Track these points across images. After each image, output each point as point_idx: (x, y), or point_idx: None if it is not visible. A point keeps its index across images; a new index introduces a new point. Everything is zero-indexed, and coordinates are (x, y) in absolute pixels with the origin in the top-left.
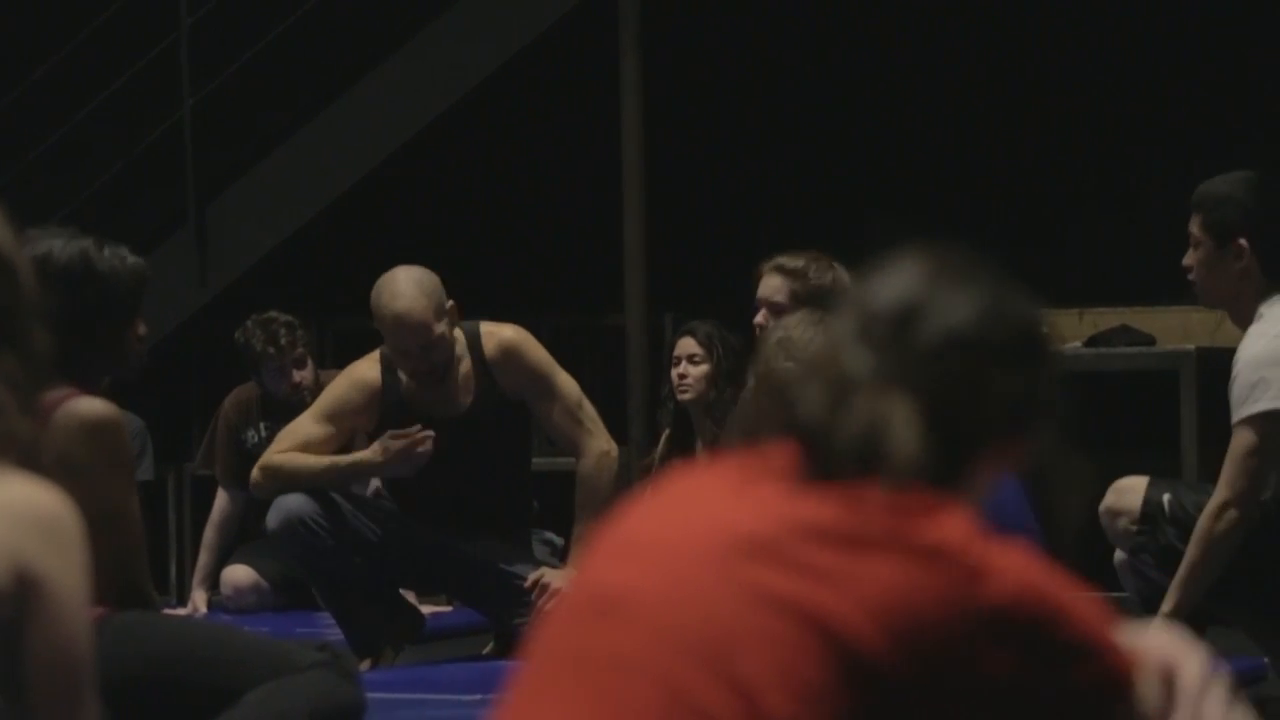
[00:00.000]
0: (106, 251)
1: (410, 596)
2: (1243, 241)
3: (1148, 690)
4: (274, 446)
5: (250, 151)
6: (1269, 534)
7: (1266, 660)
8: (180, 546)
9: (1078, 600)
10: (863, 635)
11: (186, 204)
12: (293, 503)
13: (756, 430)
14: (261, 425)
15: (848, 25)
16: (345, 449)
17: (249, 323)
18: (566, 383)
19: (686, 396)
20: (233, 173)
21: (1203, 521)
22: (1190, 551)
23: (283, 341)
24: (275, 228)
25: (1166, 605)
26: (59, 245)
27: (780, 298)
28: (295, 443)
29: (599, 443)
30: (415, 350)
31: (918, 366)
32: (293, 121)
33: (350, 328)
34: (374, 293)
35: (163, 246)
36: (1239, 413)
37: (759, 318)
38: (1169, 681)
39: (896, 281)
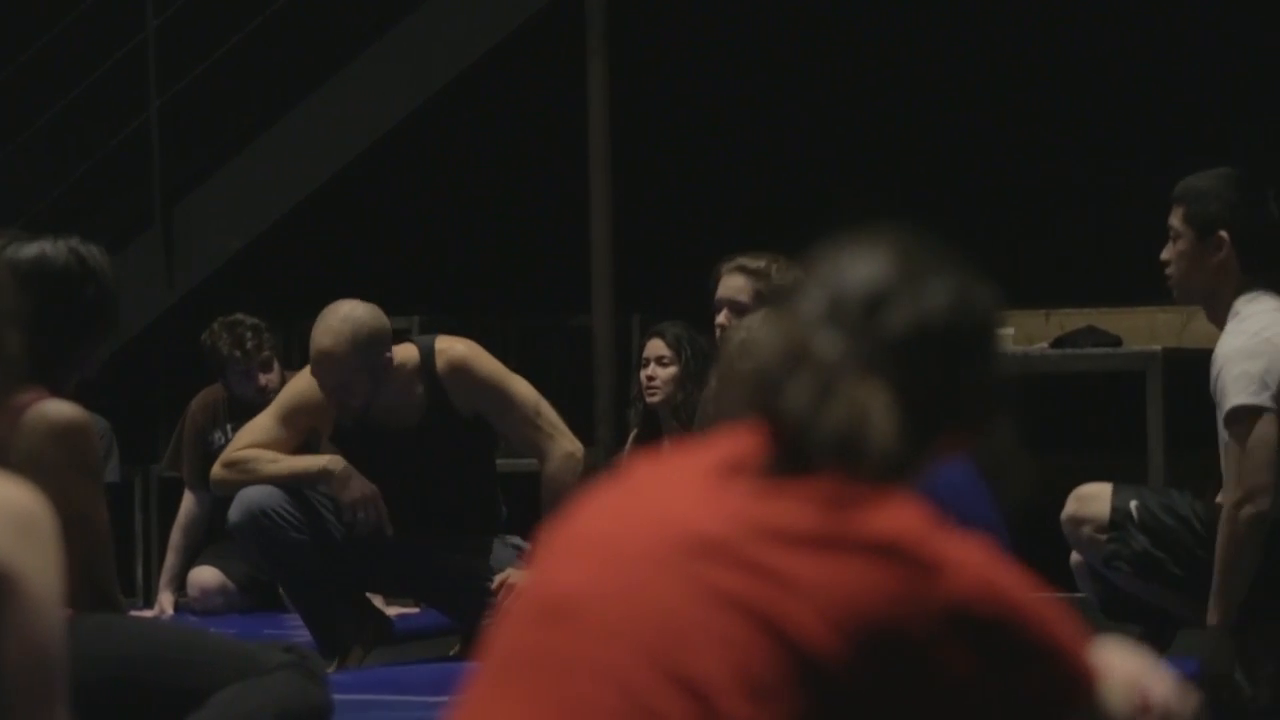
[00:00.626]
0: (91, 249)
1: (377, 600)
2: (1224, 234)
3: (1118, 708)
4: (233, 443)
5: (217, 153)
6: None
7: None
8: (146, 548)
9: (1036, 599)
10: (816, 635)
11: (153, 206)
12: (255, 494)
13: (722, 425)
14: (228, 427)
15: (813, 25)
16: (304, 448)
17: (215, 325)
18: (521, 391)
19: (655, 399)
20: (200, 174)
21: (1223, 526)
22: (1219, 558)
23: (248, 345)
24: (242, 229)
25: (1213, 619)
26: (49, 247)
27: (744, 297)
28: (254, 440)
29: (562, 445)
30: (328, 388)
31: (889, 353)
32: (259, 123)
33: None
34: (317, 323)
35: (130, 248)
36: (1225, 406)
37: (721, 318)
38: (1140, 702)
39: (865, 266)
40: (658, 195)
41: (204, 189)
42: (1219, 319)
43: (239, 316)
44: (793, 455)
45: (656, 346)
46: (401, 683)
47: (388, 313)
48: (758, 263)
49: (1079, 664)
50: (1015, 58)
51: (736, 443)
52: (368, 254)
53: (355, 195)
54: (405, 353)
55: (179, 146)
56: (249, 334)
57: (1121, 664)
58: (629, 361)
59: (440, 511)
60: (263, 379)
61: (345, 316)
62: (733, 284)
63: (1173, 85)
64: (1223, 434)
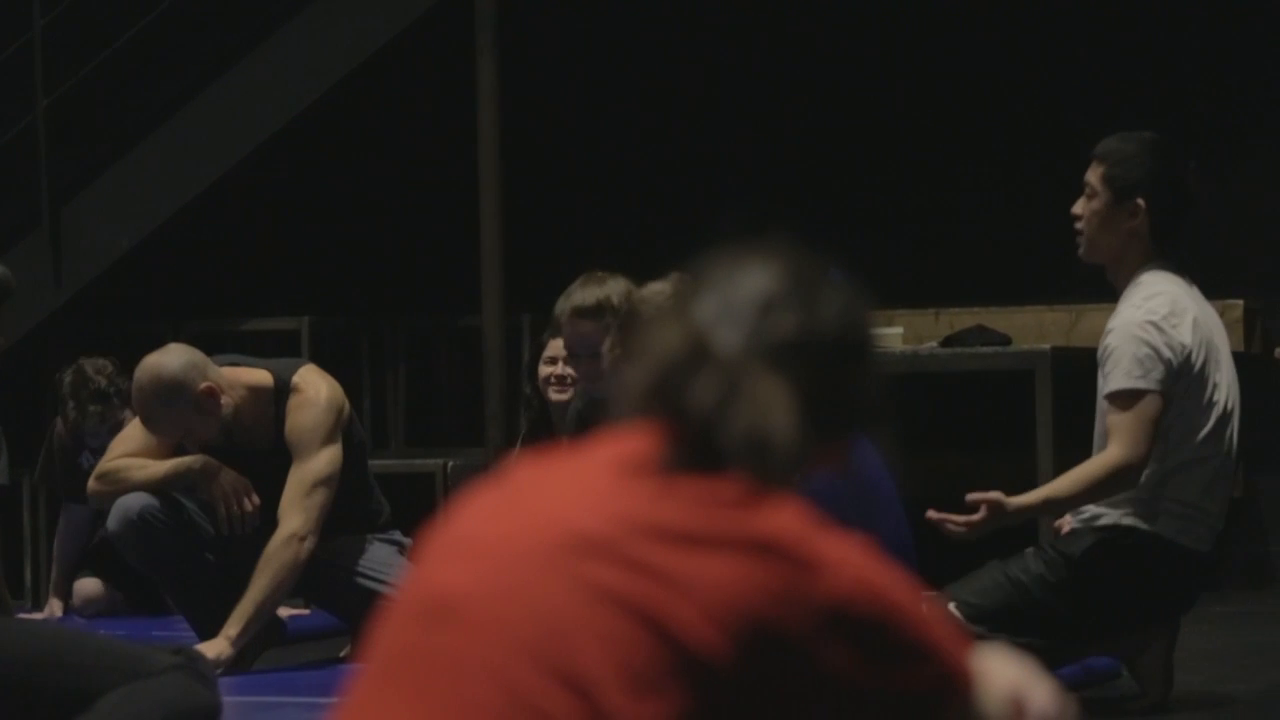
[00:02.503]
0: None
1: None
2: (1140, 201)
3: (995, 713)
4: (107, 454)
5: (105, 153)
6: (1117, 558)
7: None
8: (35, 550)
9: (914, 599)
10: (698, 632)
11: (41, 206)
12: (131, 501)
13: (622, 417)
14: (88, 451)
15: (705, 27)
16: (177, 454)
17: (66, 380)
18: (321, 460)
19: (563, 396)
20: (87, 174)
21: (1093, 464)
22: (1072, 477)
23: (90, 414)
24: (131, 229)
25: (1031, 498)
26: None
27: (596, 338)
28: (126, 450)
29: (300, 525)
30: (166, 439)
31: (782, 354)
32: (148, 123)
33: (205, 330)
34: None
35: (17, 249)
36: (1110, 385)
37: (557, 369)
38: (1019, 710)
39: (755, 273)
40: (548, 195)
41: (92, 189)
42: (1121, 283)
43: (87, 372)
44: (693, 453)
45: (553, 346)
46: (292, 684)
47: (277, 314)
48: (597, 293)
49: (955, 664)
50: (903, 58)
51: (630, 442)
52: (257, 254)
53: (244, 195)
54: (257, 377)
55: (66, 146)
56: (91, 405)
57: (1001, 670)
58: (519, 363)
59: None
60: (118, 420)
61: (144, 376)
62: (582, 330)
63: (1062, 89)
64: (1103, 403)
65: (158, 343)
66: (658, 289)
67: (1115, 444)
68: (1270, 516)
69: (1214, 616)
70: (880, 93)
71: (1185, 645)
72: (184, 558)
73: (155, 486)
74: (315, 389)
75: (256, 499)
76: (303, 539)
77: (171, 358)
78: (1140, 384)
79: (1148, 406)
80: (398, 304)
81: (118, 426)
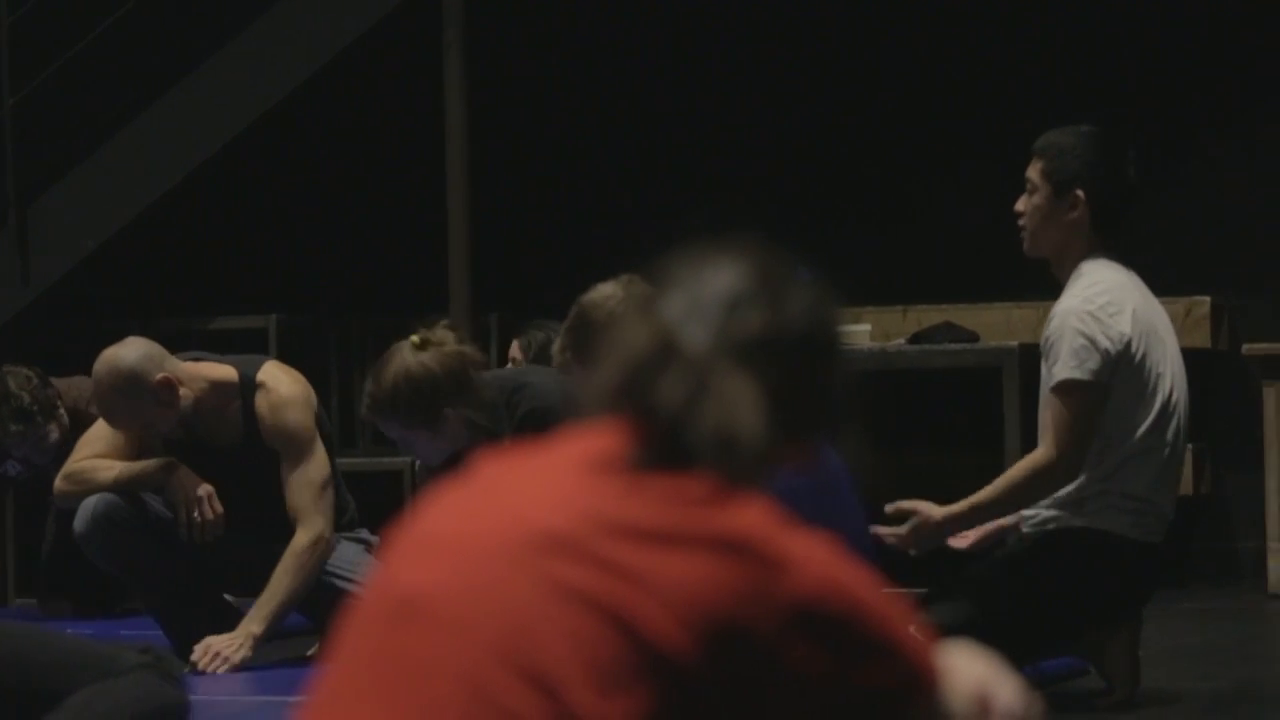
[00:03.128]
0: None
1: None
2: (1079, 193)
3: (960, 710)
4: (73, 455)
5: (72, 151)
6: (1069, 558)
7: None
8: (2, 547)
9: (880, 597)
10: (664, 630)
11: (7, 204)
12: (96, 502)
13: (586, 415)
14: (11, 460)
15: (672, 23)
16: (143, 453)
17: None
18: (317, 459)
19: None
20: (54, 173)
21: (1023, 466)
22: (998, 485)
23: (12, 431)
24: (98, 227)
25: (955, 508)
26: None
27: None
28: (92, 450)
29: (319, 525)
30: (127, 432)
31: (750, 351)
32: (115, 121)
33: (173, 328)
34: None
35: None
36: (1054, 376)
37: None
38: (984, 707)
39: (722, 272)
40: (516, 194)
41: (59, 187)
42: (1065, 276)
43: (9, 387)
44: (661, 451)
45: (513, 348)
46: (258, 683)
47: (243, 312)
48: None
49: (920, 661)
50: (869, 57)
51: (598, 439)
52: (224, 252)
53: (211, 193)
54: (220, 372)
55: (33, 145)
56: (13, 424)
57: (967, 667)
58: (488, 361)
59: (274, 520)
60: (51, 437)
61: (102, 368)
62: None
63: (1030, 86)
64: (1046, 391)
65: None
66: (606, 292)
67: (1043, 443)
68: (1236, 513)
69: (1179, 613)
70: (847, 90)
71: (1152, 642)
72: (151, 560)
73: (121, 487)
74: (286, 386)
75: (219, 506)
76: (327, 540)
77: (129, 350)
78: (1076, 374)
79: (1084, 399)
80: (366, 302)
81: (42, 440)
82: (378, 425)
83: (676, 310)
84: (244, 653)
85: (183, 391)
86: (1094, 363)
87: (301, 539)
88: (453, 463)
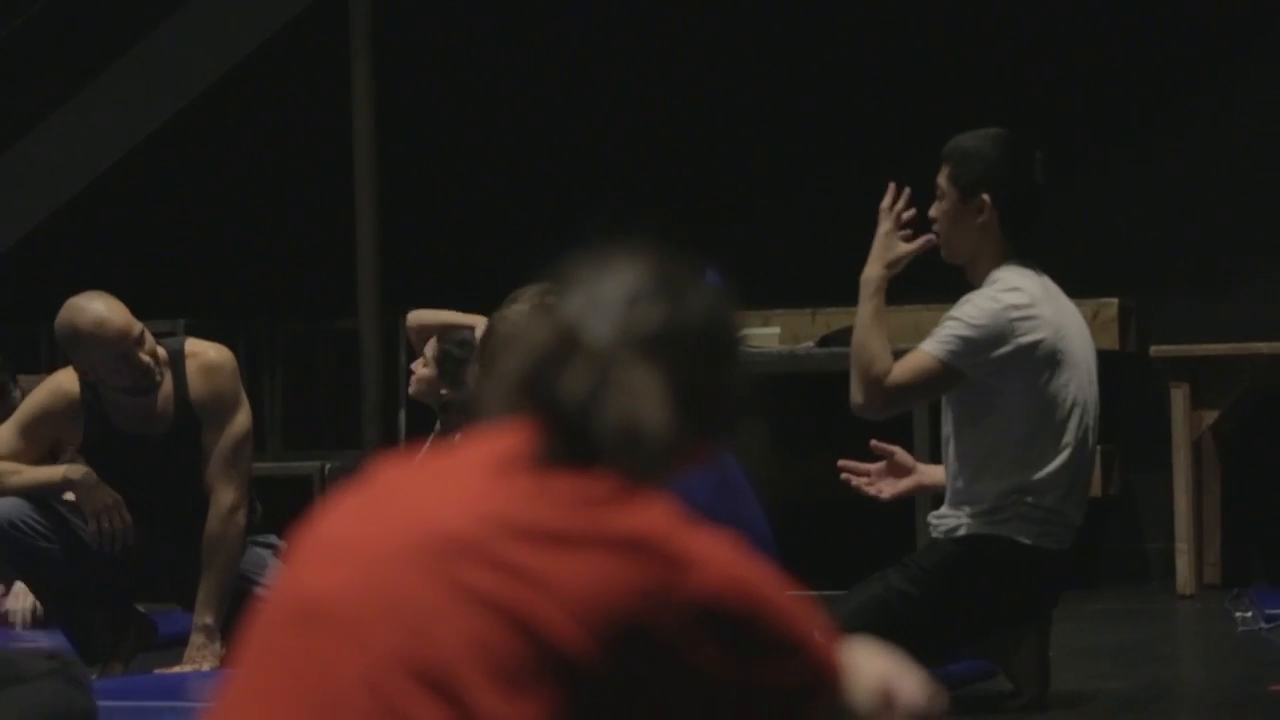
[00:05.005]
0: None
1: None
2: (985, 197)
3: (863, 706)
4: None
5: None
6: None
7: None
8: None
9: (782, 595)
10: (565, 631)
11: None
12: (1, 507)
13: (490, 416)
14: None
15: (575, 26)
16: (49, 458)
17: None
18: (242, 422)
19: (411, 390)
20: None
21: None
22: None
23: None
24: (4, 232)
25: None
26: None
27: None
28: (1, 453)
29: (233, 496)
30: (117, 359)
31: (651, 345)
32: (22, 125)
33: None
34: (64, 316)
35: None
36: (924, 345)
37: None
38: (888, 702)
39: (621, 272)
40: (423, 197)
41: None
42: (979, 281)
43: None
44: (565, 448)
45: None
46: (165, 688)
47: (152, 316)
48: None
49: (823, 658)
50: (783, 57)
51: (501, 439)
52: (132, 256)
53: (119, 198)
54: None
55: None
56: None
57: (870, 663)
58: (396, 364)
59: (190, 514)
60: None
61: (93, 295)
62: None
63: (942, 89)
64: (917, 352)
65: (33, 346)
66: (517, 308)
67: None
68: (1145, 514)
69: (1089, 614)
70: (757, 91)
71: (1060, 643)
72: (56, 566)
73: (31, 493)
74: (214, 350)
75: (128, 516)
76: (236, 509)
77: (106, 300)
78: (938, 352)
79: (936, 374)
80: (275, 306)
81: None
82: None
83: (577, 307)
84: (210, 651)
85: (148, 349)
86: (973, 359)
87: (213, 515)
88: None
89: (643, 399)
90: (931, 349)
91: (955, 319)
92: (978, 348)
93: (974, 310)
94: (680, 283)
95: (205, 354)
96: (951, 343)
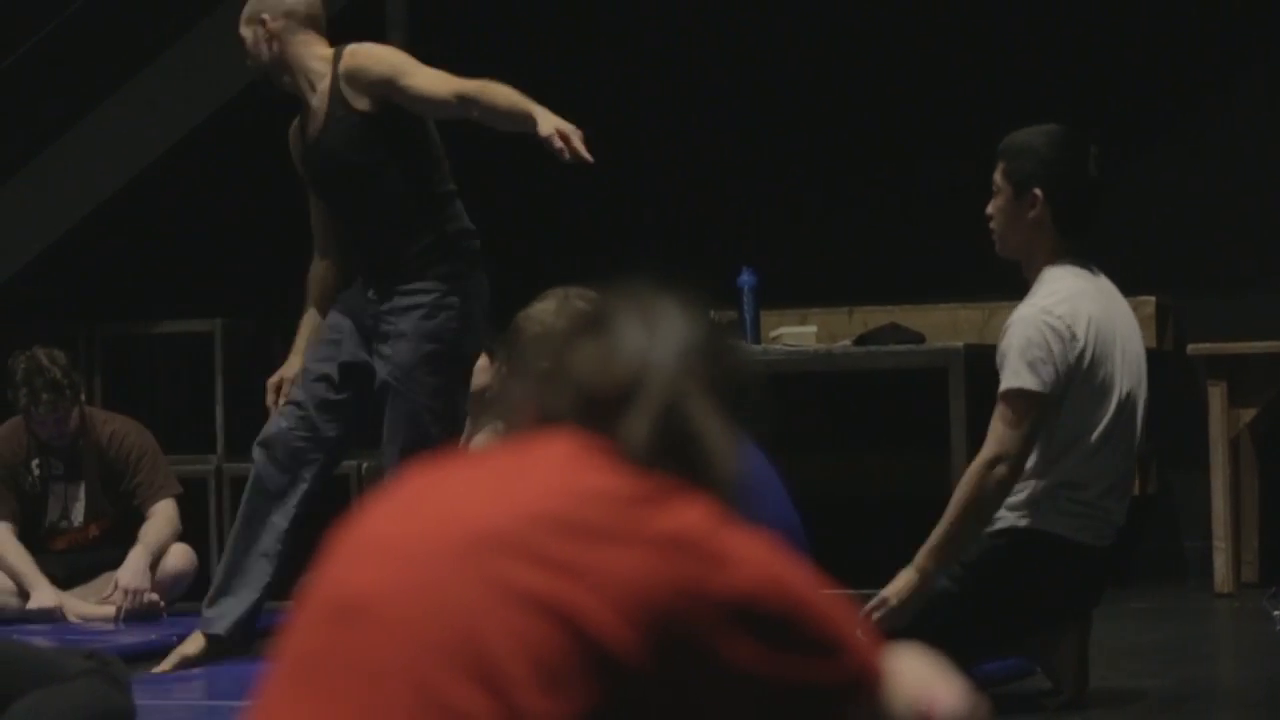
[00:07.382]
0: None
1: None
2: (1038, 192)
3: (902, 712)
4: None
5: (15, 156)
6: (1016, 561)
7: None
8: None
9: (822, 595)
10: (607, 628)
11: None
12: None
13: (524, 420)
14: (34, 463)
15: (607, 24)
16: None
17: (20, 365)
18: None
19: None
20: None
21: (969, 478)
22: (954, 507)
23: (43, 401)
24: (43, 232)
25: (924, 562)
26: None
27: None
28: None
29: None
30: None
31: (691, 357)
32: (57, 125)
33: (118, 333)
34: None
35: None
36: (1003, 384)
37: None
38: (925, 708)
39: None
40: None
41: (1, 192)
42: (1033, 277)
43: (41, 361)
44: (608, 451)
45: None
46: (205, 688)
47: (189, 315)
48: None
49: (862, 660)
50: (817, 57)
51: (540, 442)
52: (170, 256)
53: (158, 196)
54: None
55: None
56: (45, 394)
57: (911, 669)
58: None
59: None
60: (69, 421)
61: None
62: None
63: (975, 86)
64: (999, 402)
65: (69, 345)
66: (543, 307)
67: (984, 448)
68: (1182, 512)
69: (1128, 613)
70: (796, 89)
71: (1099, 641)
72: None
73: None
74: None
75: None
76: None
77: None
78: (1024, 383)
79: (1030, 406)
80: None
81: (65, 418)
82: None
83: (631, 336)
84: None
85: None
86: (1046, 372)
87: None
88: None
89: (707, 427)
90: (1011, 384)
91: (1010, 344)
92: (1045, 361)
93: (1028, 328)
94: (716, 330)
95: (359, 45)
96: (1024, 367)
